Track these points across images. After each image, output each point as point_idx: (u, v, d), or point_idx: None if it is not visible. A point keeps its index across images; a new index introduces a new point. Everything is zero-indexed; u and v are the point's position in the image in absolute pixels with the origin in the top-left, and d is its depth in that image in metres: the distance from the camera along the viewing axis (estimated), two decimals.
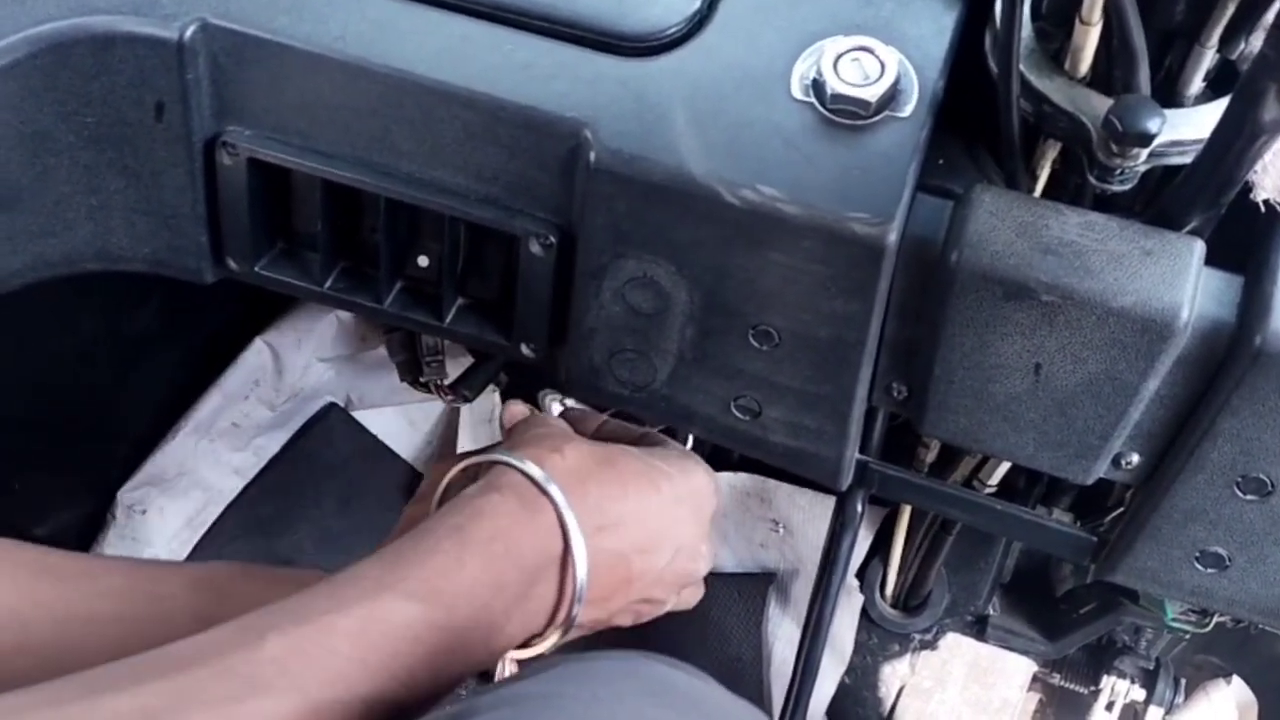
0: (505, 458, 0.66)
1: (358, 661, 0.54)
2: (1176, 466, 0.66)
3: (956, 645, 1.22)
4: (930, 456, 0.83)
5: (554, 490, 0.65)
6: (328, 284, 0.79)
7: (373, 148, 0.72)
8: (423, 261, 0.78)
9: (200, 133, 0.73)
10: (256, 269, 0.79)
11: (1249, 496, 0.65)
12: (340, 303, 0.80)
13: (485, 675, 0.70)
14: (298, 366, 1.31)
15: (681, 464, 0.74)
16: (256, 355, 1.28)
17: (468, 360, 1.19)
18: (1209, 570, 0.70)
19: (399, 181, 0.72)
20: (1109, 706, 1.10)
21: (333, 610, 0.55)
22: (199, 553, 1.25)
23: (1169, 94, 0.64)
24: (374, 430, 1.37)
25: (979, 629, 1.16)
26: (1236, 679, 1.27)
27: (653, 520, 0.70)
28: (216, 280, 0.81)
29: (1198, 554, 0.69)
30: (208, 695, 0.50)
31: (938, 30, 0.69)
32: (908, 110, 0.66)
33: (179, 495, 1.25)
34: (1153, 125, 0.59)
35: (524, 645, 0.66)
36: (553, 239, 0.71)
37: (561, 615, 0.65)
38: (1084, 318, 0.62)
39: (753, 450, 0.78)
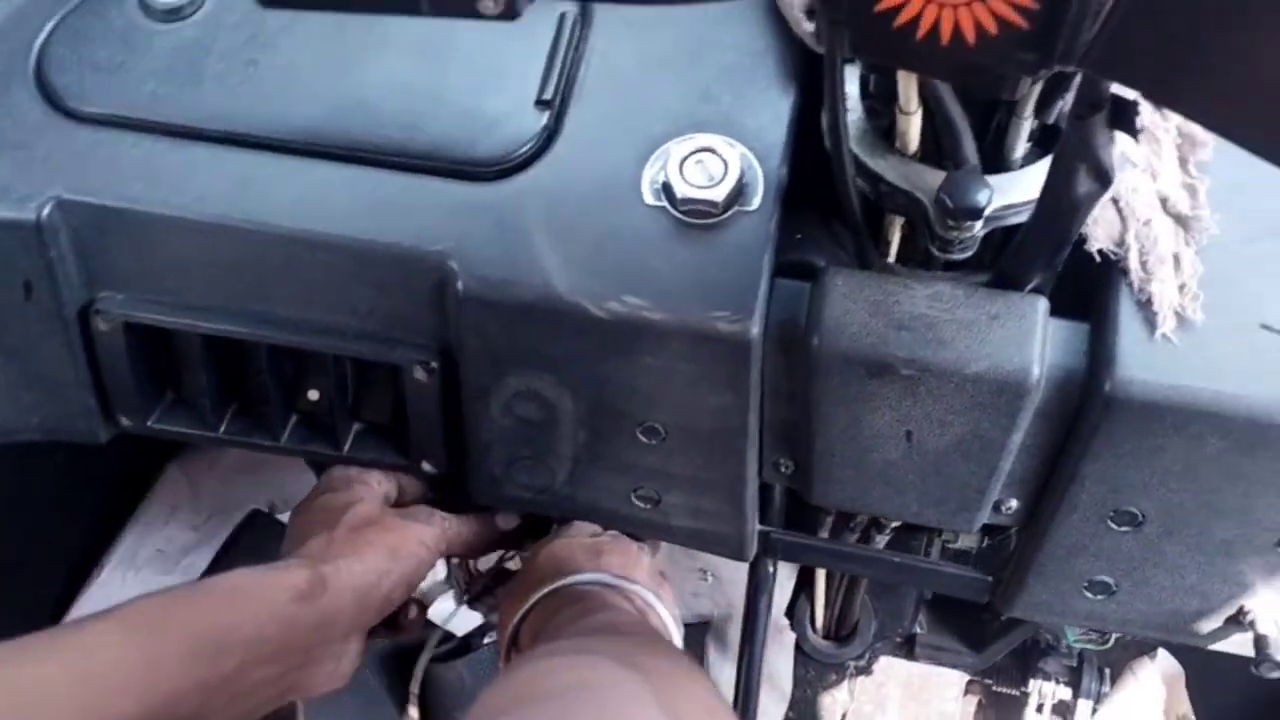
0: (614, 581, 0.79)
1: None
2: (1052, 508, 0.70)
3: (890, 667, 1.26)
4: (831, 516, 0.86)
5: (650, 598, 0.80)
6: (222, 429, 0.80)
7: (247, 298, 0.73)
8: (313, 395, 0.80)
9: (72, 303, 0.74)
10: (149, 424, 0.80)
11: (1123, 528, 0.69)
12: (238, 444, 0.81)
13: None
14: (214, 484, 1.31)
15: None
16: (170, 483, 1.28)
17: None
18: (1098, 597, 0.73)
19: (277, 327, 0.73)
20: (1040, 708, 1.14)
21: None
22: None
23: (997, 159, 0.67)
24: None
25: (909, 649, 1.19)
26: (1161, 651, 1.32)
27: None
28: (112, 437, 0.81)
29: (1085, 584, 0.73)
30: None
31: (775, 118, 0.72)
32: (755, 203, 0.69)
33: None
34: (981, 199, 0.62)
35: None
36: (434, 364, 0.73)
37: None
38: (943, 386, 0.65)
39: (658, 535, 0.80)
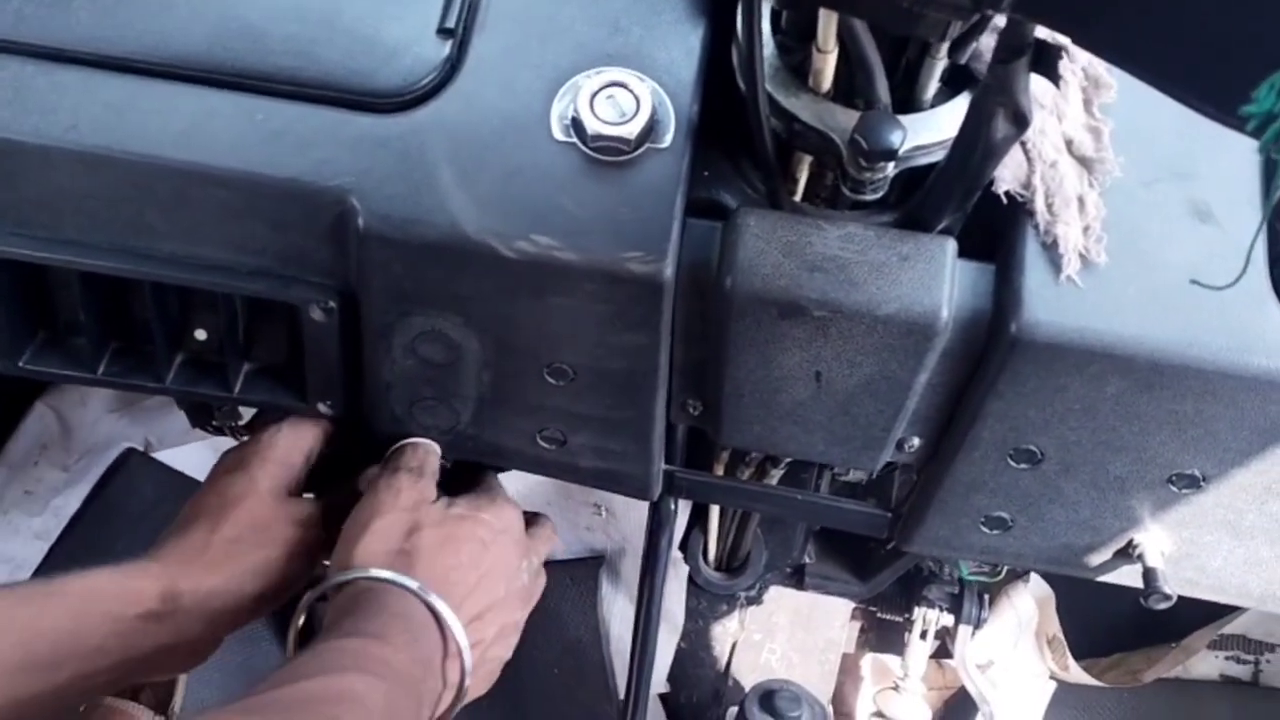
0: (384, 576, 0.70)
1: None
2: (954, 446, 0.71)
3: (780, 597, 1.28)
4: (726, 454, 0.86)
5: (435, 601, 0.69)
6: (100, 370, 0.76)
7: (127, 233, 0.69)
8: (200, 335, 0.76)
9: None
10: (20, 365, 0.75)
11: (1022, 466, 0.71)
12: (118, 385, 0.77)
13: None
14: (86, 422, 1.25)
15: (492, 507, 0.76)
16: (39, 420, 1.21)
17: None
18: (994, 532, 0.75)
19: (161, 264, 0.69)
20: (923, 635, 1.18)
21: None
22: None
23: (907, 99, 0.67)
24: (179, 468, 1.32)
25: (798, 579, 1.21)
26: (1033, 575, 1.38)
27: (487, 573, 0.74)
28: None
29: (983, 519, 0.75)
30: None
31: (686, 53, 0.70)
32: (667, 140, 0.67)
33: None
34: (895, 140, 0.62)
35: None
36: (333, 303, 0.70)
37: (446, 703, 0.70)
38: (854, 327, 0.65)
39: (564, 475, 0.79)
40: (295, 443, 0.79)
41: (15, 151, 0.66)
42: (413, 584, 0.69)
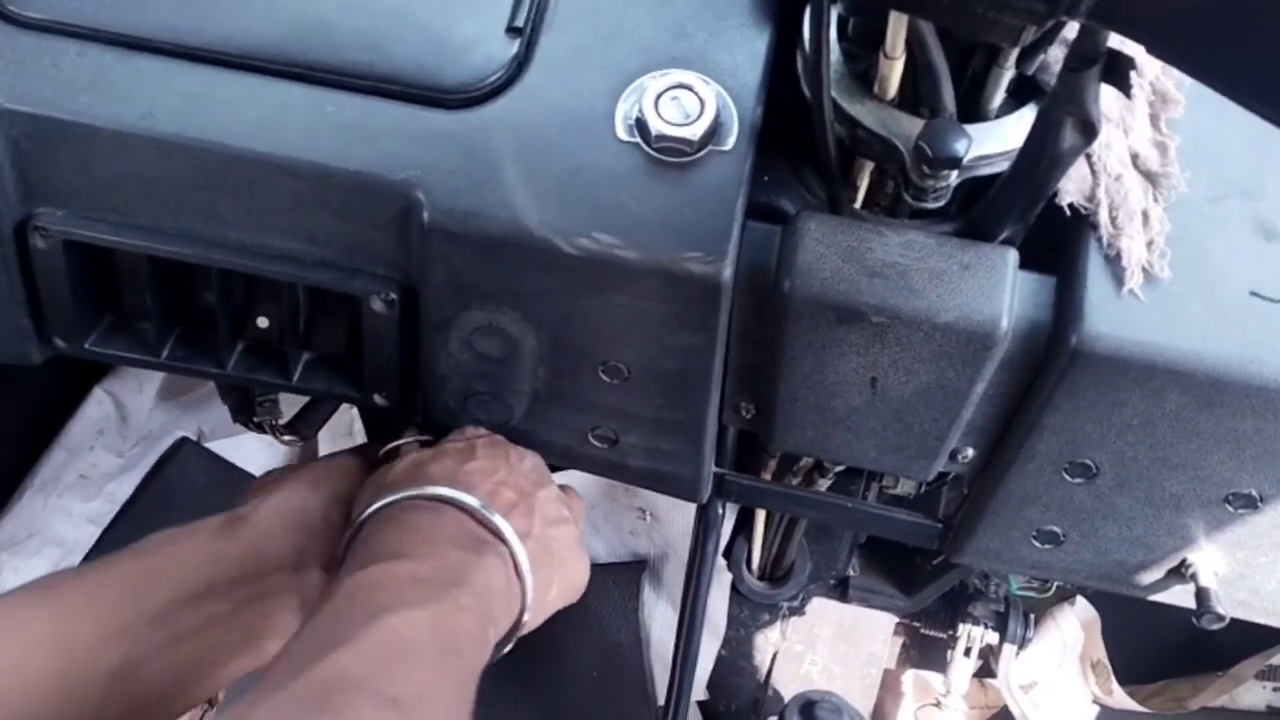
0: (444, 493, 0.69)
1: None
2: (1009, 458, 0.70)
3: (822, 609, 1.28)
4: (775, 459, 0.86)
5: (498, 521, 0.69)
6: (164, 354, 0.77)
7: (197, 220, 0.70)
8: (263, 323, 0.77)
9: (9, 217, 0.70)
10: (86, 346, 0.76)
11: (1076, 480, 0.70)
12: (180, 370, 0.78)
13: None
14: (142, 410, 1.27)
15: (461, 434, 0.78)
16: (98, 405, 1.24)
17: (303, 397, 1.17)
18: (1046, 546, 0.75)
19: (228, 251, 0.71)
20: (966, 652, 1.17)
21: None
22: None
23: (973, 108, 0.67)
24: (231, 459, 1.34)
25: (841, 591, 1.21)
26: (1079, 598, 1.36)
27: (509, 473, 0.74)
28: (47, 359, 0.78)
29: (1035, 533, 0.74)
30: None
31: (751, 57, 0.71)
32: (730, 143, 0.68)
33: (31, 555, 1.21)
34: (960, 148, 0.62)
35: None
36: (394, 295, 0.71)
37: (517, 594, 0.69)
38: (912, 334, 0.65)
39: (613, 474, 0.80)
40: (335, 468, 0.80)
41: (91, 136, 0.67)
42: (435, 490, 0.68)
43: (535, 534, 0.71)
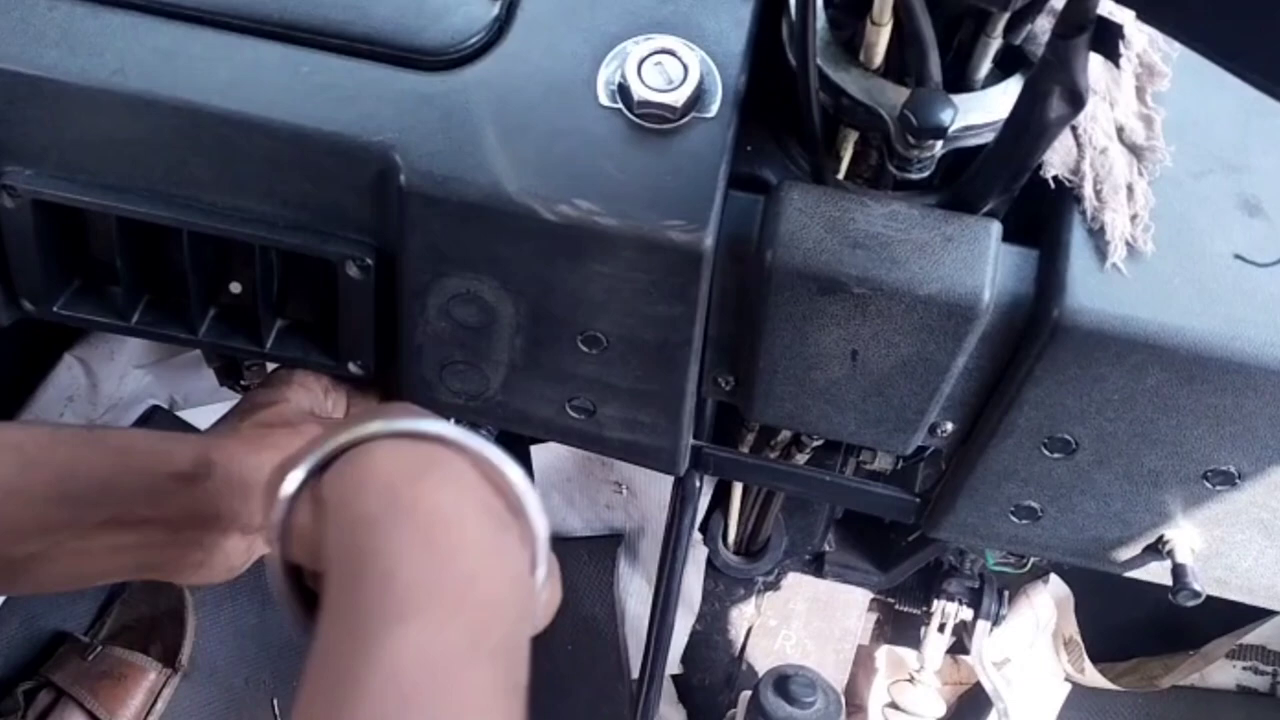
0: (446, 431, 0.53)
1: None
2: (988, 432, 0.70)
3: (797, 584, 1.28)
4: (753, 432, 0.86)
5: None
6: (134, 318, 0.76)
7: (169, 180, 0.69)
8: (235, 288, 0.76)
9: None
10: (55, 309, 0.75)
11: (1055, 455, 0.70)
12: (151, 335, 0.77)
13: None
14: (113, 376, 1.25)
15: None
16: (67, 371, 1.22)
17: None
18: (1023, 522, 0.74)
19: (200, 213, 0.69)
20: (941, 628, 1.17)
21: None
22: None
23: (959, 78, 0.66)
24: (203, 428, 1.32)
25: (817, 566, 1.21)
26: (1053, 576, 1.37)
27: None
28: (12, 322, 0.77)
29: (1012, 508, 0.74)
30: None
31: (736, 23, 0.70)
32: (713, 110, 0.67)
33: None
34: (945, 118, 0.61)
35: None
36: (370, 261, 0.70)
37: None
38: (894, 306, 0.64)
39: (591, 446, 0.79)
40: (335, 385, 0.80)
41: (60, 93, 0.66)
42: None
43: None
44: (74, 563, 0.65)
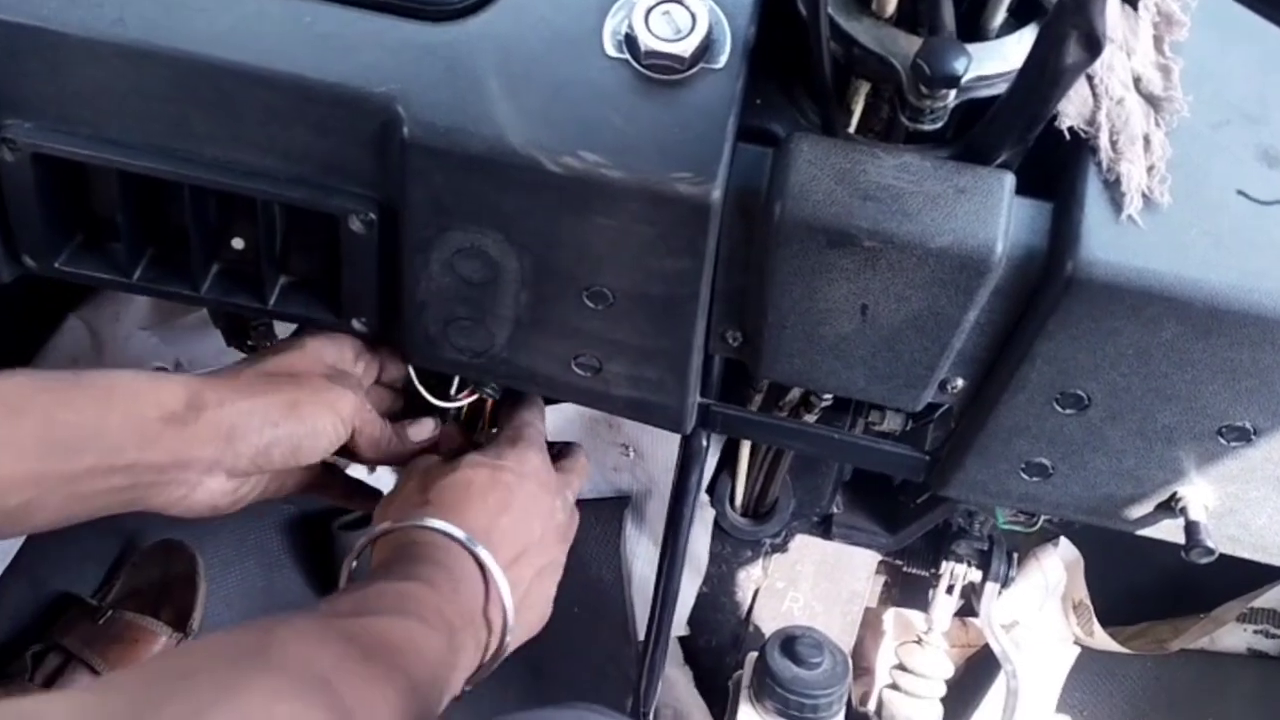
0: (434, 525, 0.71)
1: None
2: (999, 388, 0.69)
3: (805, 546, 1.27)
4: (762, 392, 0.85)
5: (481, 552, 0.71)
6: (136, 275, 0.75)
7: (169, 133, 0.68)
8: (238, 244, 0.75)
9: None
10: (56, 265, 0.74)
11: (1068, 411, 0.69)
12: (153, 292, 0.77)
13: None
14: (118, 339, 1.24)
15: (513, 453, 0.78)
16: (71, 333, 1.21)
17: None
18: (1034, 479, 0.74)
19: (202, 167, 0.69)
20: (949, 590, 1.17)
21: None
22: (33, 538, 1.19)
23: (973, 27, 0.65)
24: None
25: (825, 528, 1.20)
26: (1063, 539, 1.36)
27: (519, 515, 0.75)
28: (14, 279, 0.76)
29: (1023, 465, 0.73)
30: None
31: None
32: (722, 61, 0.66)
33: None
34: (959, 67, 0.59)
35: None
36: (373, 215, 0.69)
37: (493, 648, 0.71)
38: (905, 259, 0.63)
39: (596, 404, 0.78)
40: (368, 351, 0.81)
41: (59, 44, 0.65)
42: (460, 534, 0.70)
43: (527, 583, 0.75)
44: (64, 506, 0.66)
